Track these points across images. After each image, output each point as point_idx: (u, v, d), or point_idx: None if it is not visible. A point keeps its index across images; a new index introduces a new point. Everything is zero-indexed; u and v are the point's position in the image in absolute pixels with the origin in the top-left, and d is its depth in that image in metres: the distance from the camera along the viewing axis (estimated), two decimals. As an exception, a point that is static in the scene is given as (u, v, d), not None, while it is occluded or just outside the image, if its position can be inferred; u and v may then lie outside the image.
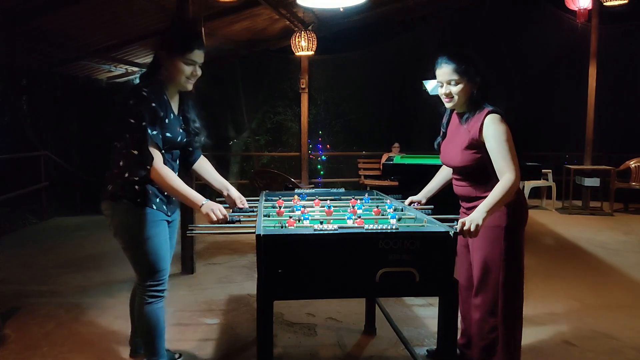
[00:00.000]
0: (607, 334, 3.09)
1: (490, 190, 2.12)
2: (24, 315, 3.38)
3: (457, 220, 2.11)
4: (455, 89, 2.24)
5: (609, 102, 8.67)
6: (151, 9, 5.73)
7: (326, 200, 2.60)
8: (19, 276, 4.34)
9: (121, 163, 2.21)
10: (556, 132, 9.57)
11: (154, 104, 2.14)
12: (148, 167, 2.12)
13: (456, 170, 2.38)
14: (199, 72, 2.27)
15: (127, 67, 8.17)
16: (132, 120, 2.10)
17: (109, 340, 2.99)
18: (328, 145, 10.52)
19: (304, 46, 7.36)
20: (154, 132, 2.14)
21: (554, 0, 8.34)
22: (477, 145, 2.21)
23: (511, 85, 9.39)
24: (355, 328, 3.13)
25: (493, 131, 2.15)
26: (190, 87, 2.29)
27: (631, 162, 7.55)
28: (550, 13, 8.95)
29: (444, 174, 2.65)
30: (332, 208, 2.32)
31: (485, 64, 2.29)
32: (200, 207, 2.18)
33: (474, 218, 2.01)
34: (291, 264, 1.78)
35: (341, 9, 6.36)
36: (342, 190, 2.93)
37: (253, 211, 2.43)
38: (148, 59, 7.99)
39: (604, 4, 6.83)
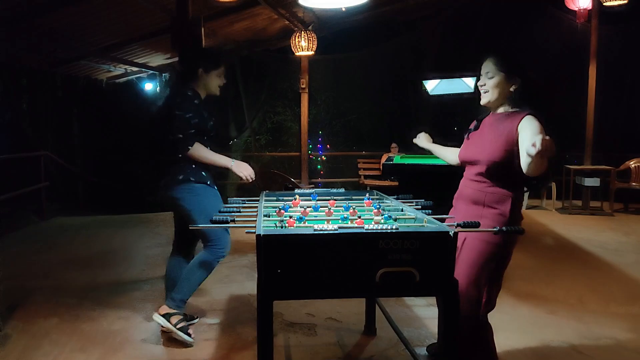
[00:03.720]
0: (607, 334, 3.09)
1: (506, 193, 2.21)
2: (26, 314, 3.38)
3: (454, 220, 2.13)
4: (490, 82, 2.27)
5: (609, 102, 8.66)
6: (151, 9, 5.74)
7: (346, 200, 2.65)
8: (21, 275, 4.32)
9: (178, 167, 2.85)
10: (556, 132, 9.55)
11: (196, 101, 2.91)
12: (190, 147, 2.78)
13: (478, 165, 2.29)
14: (224, 80, 3.08)
15: (126, 67, 8.18)
16: (177, 112, 2.79)
17: (112, 339, 3.00)
18: (328, 145, 10.52)
19: (304, 46, 7.36)
20: (195, 121, 2.82)
21: (554, 0, 8.34)
22: (511, 142, 2.18)
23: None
24: (355, 328, 3.13)
25: (529, 125, 2.17)
26: (218, 92, 3.06)
27: (631, 162, 7.55)
28: (550, 13, 8.95)
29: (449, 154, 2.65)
30: (332, 209, 2.32)
31: (529, 70, 2.30)
32: (231, 166, 2.92)
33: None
34: (291, 264, 1.78)
35: (343, 9, 6.36)
36: (342, 190, 2.93)
37: (244, 203, 2.66)
38: (148, 59, 8.04)
39: (604, 4, 6.83)
